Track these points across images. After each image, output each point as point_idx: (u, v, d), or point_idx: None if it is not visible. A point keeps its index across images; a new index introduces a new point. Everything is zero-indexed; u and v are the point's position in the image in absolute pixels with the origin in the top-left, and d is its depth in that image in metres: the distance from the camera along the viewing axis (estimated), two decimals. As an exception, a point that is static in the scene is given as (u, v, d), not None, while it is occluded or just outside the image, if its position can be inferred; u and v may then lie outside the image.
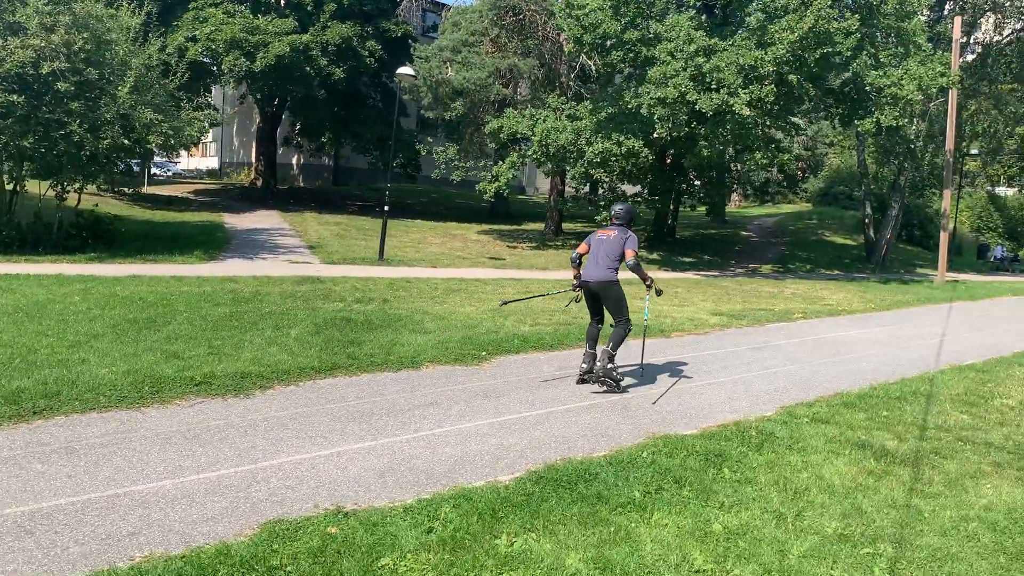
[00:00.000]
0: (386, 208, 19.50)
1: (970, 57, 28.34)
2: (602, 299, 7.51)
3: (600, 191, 29.52)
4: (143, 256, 16.10)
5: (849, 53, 18.22)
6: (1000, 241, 42.40)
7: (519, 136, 24.08)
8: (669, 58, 18.46)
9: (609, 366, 7.38)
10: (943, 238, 23.33)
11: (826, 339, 11.43)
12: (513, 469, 5.06)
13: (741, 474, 5.16)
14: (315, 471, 4.83)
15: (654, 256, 26.26)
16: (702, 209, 30.03)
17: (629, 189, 29.00)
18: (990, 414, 7.23)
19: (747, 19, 18.88)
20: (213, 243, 19.59)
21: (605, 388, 7.38)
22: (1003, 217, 47.97)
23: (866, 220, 29.54)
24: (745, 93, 17.95)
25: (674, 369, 8.57)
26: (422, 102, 26.03)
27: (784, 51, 17.75)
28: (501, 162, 23.87)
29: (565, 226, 31.64)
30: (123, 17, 17.96)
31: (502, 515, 4.22)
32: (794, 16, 17.66)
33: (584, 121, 21.71)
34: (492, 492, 4.53)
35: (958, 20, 22.59)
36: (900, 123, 19.15)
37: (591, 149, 21.01)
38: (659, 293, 7.95)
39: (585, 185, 28.72)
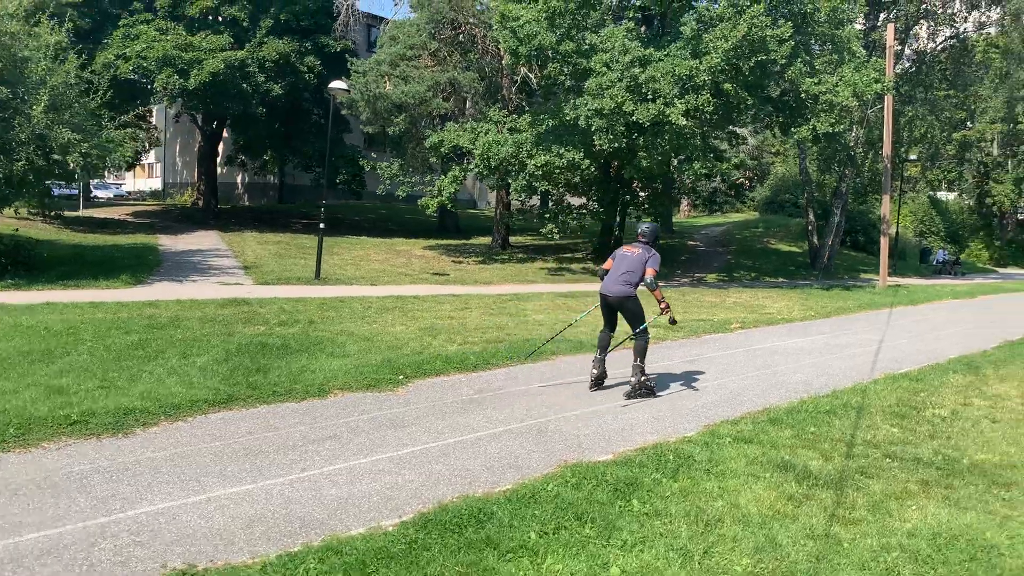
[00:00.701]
0: (321, 226, 18.98)
1: (907, 64, 28.72)
2: (620, 311, 7.91)
3: (549, 203, 29.27)
4: (65, 282, 15.31)
5: (784, 61, 18.20)
6: (942, 245, 43.12)
7: (461, 150, 23.74)
8: (605, 69, 18.27)
9: (642, 378, 7.84)
10: (883, 243, 23.46)
11: (761, 350, 11.19)
12: (401, 511, 4.62)
13: (651, 505, 4.79)
14: (175, 523, 4.33)
15: (600, 268, 26.01)
16: (647, 220, 29.99)
17: (577, 201, 28.82)
18: (921, 426, 6.98)
19: (682, 29, 18.76)
20: (142, 266, 18.83)
21: (646, 395, 7.81)
22: (944, 221, 48.89)
23: (809, 227, 29.71)
24: (681, 103, 17.82)
25: (603, 387, 8.21)
26: (360, 117, 25.50)
27: (719, 60, 17.65)
28: (443, 176, 23.47)
29: (513, 239, 31.32)
30: (43, 34, 17.23)
31: (372, 570, 3.77)
32: (727, 24, 17.58)
33: (524, 134, 21.44)
34: (368, 542, 4.08)
35: (891, 27, 22.83)
36: (837, 129, 19.18)
37: (532, 162, 20.73)
38: (672, 322, 8.06)
39: (529, 197, 28.46)
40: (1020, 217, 60.87)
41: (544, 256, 27.81)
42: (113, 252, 21.23)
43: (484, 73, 24.79)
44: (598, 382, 8.09)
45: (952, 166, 51.35)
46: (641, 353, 7.87)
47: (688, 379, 8.86)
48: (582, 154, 20.13)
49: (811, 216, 29.57)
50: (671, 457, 5.73)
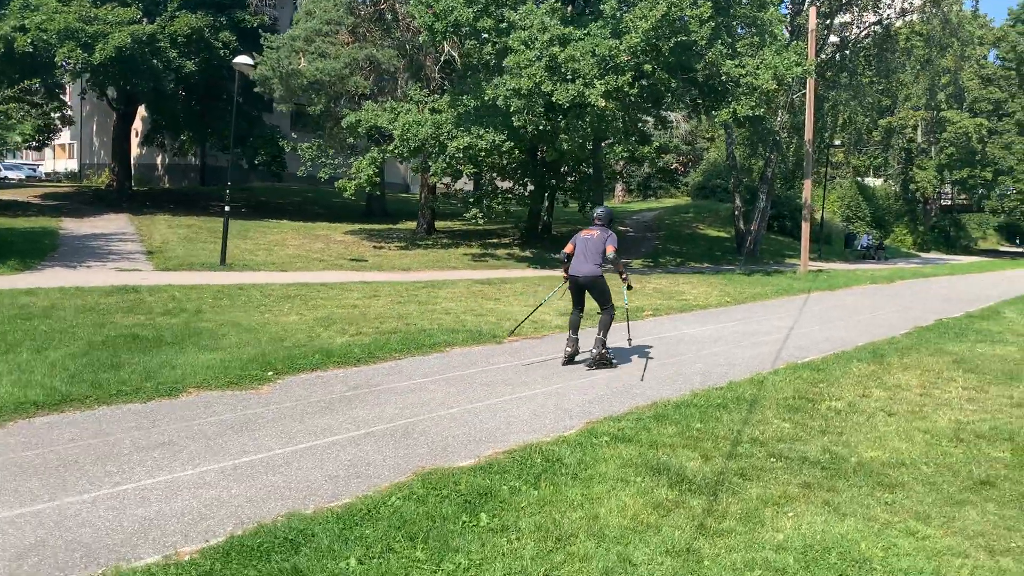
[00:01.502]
0: (227, 208, 18.08)
1: (831, 50, 28.83)
2: (589, 290, 8.70)
3: (482, 186, 28.64)
4: (-60, 268, 14.27)
5: (704, 42, 17.91)
6: (867, 230, 43.85)
7: (381, 131, 22.95)
8: (523, 47, 17.72)
9: (603, 351, 8.64)
10: (804, 228, 23.51)
11: (668, 338, 10.85)
12: (210, 535, 4.04)
13: (500, 519, 4.30)
14: (-73, 556, 3.68)
15: (526, 254, 25.60)
16: (575, 205, 29.57)
17: (509, 185, 28.27)
18: (814, 421, 6.66)
19: (603, 7, 18.29)
20: (35, 251, 17.70)
21: (605, 367, 8.61)
22: (871, 207, 49.79)
23: (736, 212, 29.73)
24: (601, 84, 17.38)
25: (500, 380, 7.73)
26: (274, 95, 24.49)
27: (639, 40, 17.26)
28: (361, 158, 22.68)
29: (439, 224, 30.64)
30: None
31: (137, 614, 3.21)
32: (647, 3, 17.19)
33: (444, 114, 20.79)
34: (149, 576, 3.51)
35: (813, 10, 22.78)
36: (758, 113, 18.99)
37: (454, 144, 20.11)
38: (629, 288, 9.10)
39: (455, 181, 27.90)
40: (944, 203, 62.57)
41: (470, 242, 27.24)
42: (6, 236, 19.96)
43: (406, 51, 23.98)
44: (570, 359, 8.79)
45: (878, 152, 52.31)
46: (605, 327, 8.71)
47: (582, 371, 8.43)
48: (504, 136, 19.58)
49: (738, 201, 29.59)
50: (538, 460, 5.26)
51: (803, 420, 6.65)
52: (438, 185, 29.78)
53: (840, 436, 6.24)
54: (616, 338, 9.34)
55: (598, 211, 9.09)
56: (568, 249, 8.80)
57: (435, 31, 18.78)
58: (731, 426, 6.32)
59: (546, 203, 31.25)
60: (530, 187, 24.94)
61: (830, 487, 5.08)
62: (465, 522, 4.24)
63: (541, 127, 19.43)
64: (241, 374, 7.35)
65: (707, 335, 11.26)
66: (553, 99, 17.73)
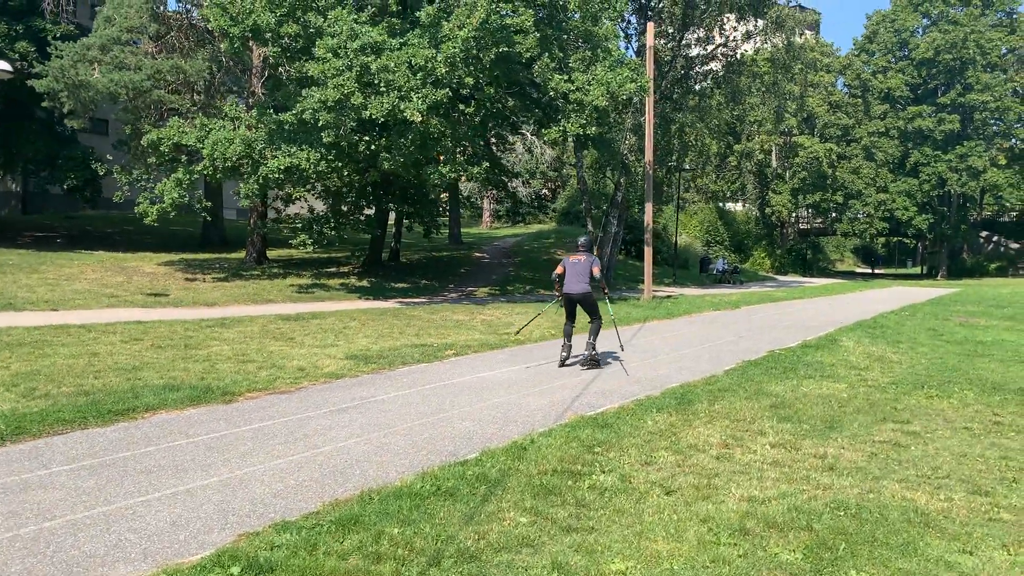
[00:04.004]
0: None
1: (678, 70, 28.28)
2: (581, 305, 10.51)
3: (312, 211, 26.41)
4: None
5: (529, 54, 16.54)
6: (724, 254, 44.04)
7: (188, 150, 20.52)
8: (330, 56, 15.87)
9: (594, 353, 10.54)
10: (647, 253, 22.49)
11: (451, 385, 9.12)
12: None
13: None
14: None
15: (363, 284, 23.58)
16: (420, 229, 27.73)
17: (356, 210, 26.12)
18: (565, 509, 5.01)
19: (419, 14, 16.68)
20: None
21: (594, 367, 10.49)
22: (730, 231, 50.35)
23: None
24: (418, 97, 15.72)
25: (176, 463, 5.75)
26: (63, 109, 21.65)
27: (458, 50, 15.71)
28: (165, 180, 20.16)
29: (275, 253, 28.23)
30: None
31: None
32: (464, 10, 15.68)
33: (259, 131, 18.65)
34: None
35: (650, 25, 21.91)
36: (590, 131, 17.76)
37: (273, 163, 17.98)
38: (608, 298, 11.84)
39: (285, 204, 25.68)
40: (802, 226, 64.49)
41: (303, 271, 25.00)
42: None
43: (222, 63, 21.68)
44: (564, 362, 10.63)
45: (735, 176, 53.15)
46: (595, 334, 10.65)
47: (321, 438, 6.56)
48: (319, 155, 17.61)
49: (590, 226, 28.54)
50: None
51: (550, 510, 4.98)
52: (271, 210, 27.42)
53: (590, 535, 4.60)
54: (306, 405, 7.51)
55: (581, 240, 11.00)
56: (559, 271, 10.61)
57: (232, 36, 16.67)
58: (444, 529, 4.58)
59: (394, 228, 29.41)
60: (368, 212, 22.92)
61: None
62: None
63: (357, 144, 17.61)
64: None
65: (503, 379, 9.60)
66: (367, 113, 15.95)
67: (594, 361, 10.52)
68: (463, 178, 19.33)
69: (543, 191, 62.43)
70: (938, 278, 56.17)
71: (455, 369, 10.28)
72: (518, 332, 13.12)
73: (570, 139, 17.88)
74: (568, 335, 10.70)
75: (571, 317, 10.79)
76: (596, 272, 10.34)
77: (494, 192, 30.64)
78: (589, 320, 10.71)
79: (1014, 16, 56.73)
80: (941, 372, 10.89)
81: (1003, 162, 53.29)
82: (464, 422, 7.31)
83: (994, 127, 55.00)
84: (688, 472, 5.90)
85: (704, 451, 6.48)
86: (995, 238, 62.52)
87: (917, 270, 73.60)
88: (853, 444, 6.84)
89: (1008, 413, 8.27)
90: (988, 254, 61.24)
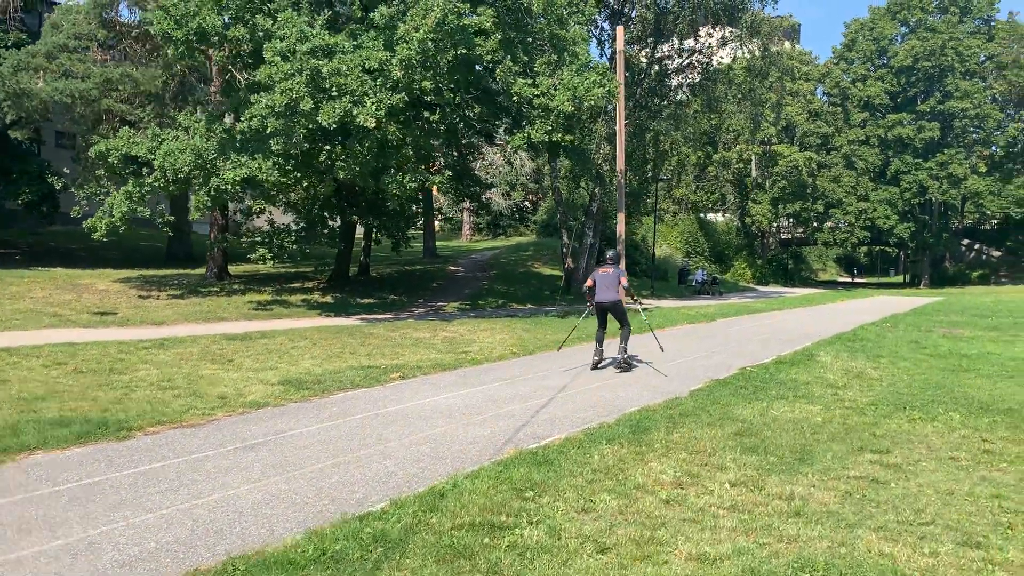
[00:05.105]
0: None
1: (652, 78, 27.57)
2: (611, 312, 11.51)
3: (273, 224, 25.48)
4: None
5: (489, 57, 15.74)
6: (703, 264, 43.36)
7: (139, 161, 19.57)
8: (278, 59, 15.01)
9: (627, 356, 11.57)
10: (620, 266, 21.64)
11: (388, 414, 8.23)
12: None
13: None
14: None
15: (327, 300, 22.65)
16: (388, 243, 26.84)
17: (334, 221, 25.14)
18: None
19: (372, 15, 15.85)
20: None
21: (627, 370, 11.36)
22: (710, 241, 49.70)
23: (564, 249, 27.88)
24: (372, 102, 14.88)
25: (21, 521, 4.83)
26: (6, 119, 20.65)
27: (413, 52, 14.89)
28: (115, 193, 19.20)
29: (238, 269, 27.23)
30: None
31: None
32: (419, 10, 14.86)
33: (211, 141, 17.75)
34: None
35: (620, 29, 21.19)
36: (555, 138, 16.92)
37: (228, 174, 17.10)
38: (641, 306, 14.27)
39: (247, 217, 24.73)
40: (783, 236, 64.01)
41: (265, 287, 24.04)
42: None
43: (175, 72, 20.77)
44: (596, 366, 11.50)
45: (716, 187, 52.58)
46: (626, 339, 11.56)
47: (190, 489, 5.64)
48: (271, 163, 16.72)
49: (565, 238, 27.78)
50: None
51: (455, 578, 4.11)
52: (233, 223, 26.47)
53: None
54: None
55: (609, 254, 12.21)
56: (589, 283, 11.72)
57: (176, 41, 15.76)
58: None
59: (364, 242, 28.52)
60: (335, 225, 22.01)
61: None
62: None
63: (316, 153, 16.78)
64: None
65: (446, 406, 8.72)
66: (319, 119, 15.10)
67: (627, 364, 11.48)
68: (434, 188, 18.45)
69: (524, 203, 61.71)
70: (920, 287, 55.77)
71: (396, 395, 9.39)
72: (559, 348, 13.77)
73: (539, 146, 17.02)
74: (600, 340, 11.67)
75: (603, 324, 11.79)
76: (624, 283, 11.40)
77: (468, 204, 29.73)
78: (619, 327, 11.71)
79: (992, 23, 56.70)
80: (924, 390, 10.10)
81: (983, 169, 53.02)
82: (385, 461, 6.42)
83: (974, 134, 54.80)
84: (631, 521, 5.04)
85: (653, 492, 5.63)
86: (977, 246, 62.26)
87: (899, 279, 73.34)
88: (825, 481, 6.01)
89: (998, 439, 7.47)
90: (970, 262, 60.95)
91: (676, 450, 6.81)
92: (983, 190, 52.72)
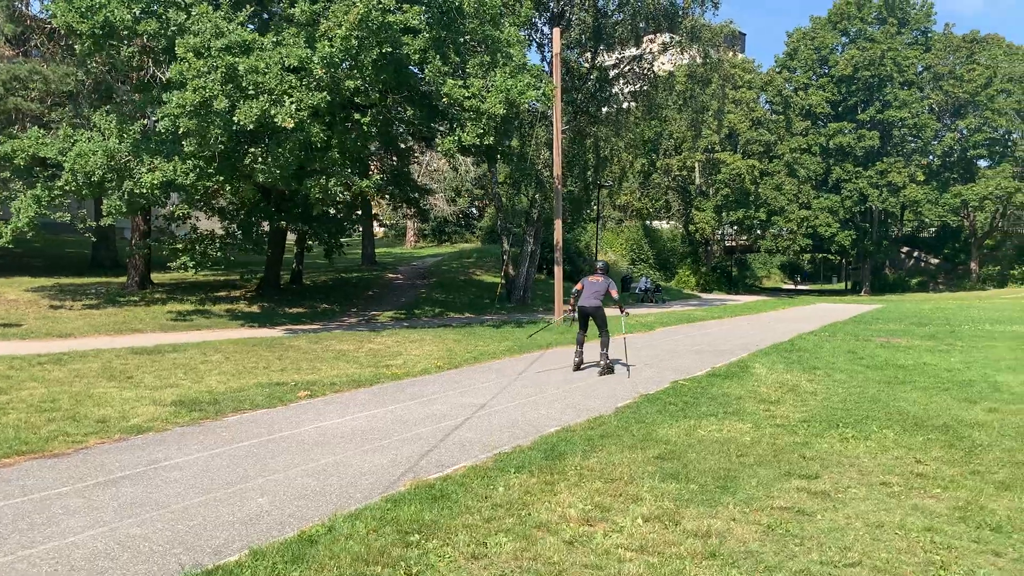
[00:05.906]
0: None
1: (590, 83, 27.17)
2: (593, 318, 12.14)
3: (197, 230, 24.37)
4: None
5: (417, 57, 15.08)
6: (648, 272, 43.20)
7: (51, 162, 18.44)
8: (191, 55, 14.14)
9: (608, 361, 12.10)
10: (557, 273, 21.12)
11: (282, 440, 7.50)
12: None
13: None
14: None
15: (253, 309, 21.72)
16: (318, 251, 25.94)
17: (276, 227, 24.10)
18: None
19: (292, 11, 15.07)
20: None
21: (609, 373, 11.97)
22: (655, 249, 49.63)
23: (504, 256, 27.31)
24: (291, 102, 14.11)
25: None
26: None
27: (336, 50, 14.16)
28: (22, 196, 18.04)
29: (162, 277, 26.03)
30: None
31: None
32: (342, 6, 14.14)
33: (124, 142, 16.74)
34: None
35: (556, 31, 20.73)
36: (487, 142, 16.34)
37: (147, 178, 16.13)
38: (626, 315, 13.84)
39: (171, 222, 23.58)
40: (728, 244, 64.42)
41: (189, 296, 22.98)
42: None
43: (90, 69, 19.67)
44: (578, 367, 12.31)
45: (660, 194, 52.57)
46: (606, 345, 12.12)
47: (23, 537, 4.87)
48: (187, 166, 15.81)
49: (505, 244, 27.22)
50: None
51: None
52: (155, 228, 25.29)
53: None
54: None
55: (599, 263, 12.69)
56: (578, 287, 12.30)
57: (80, 35, 14.78)
58: None
59: (296, 248, 27.55)
60: (250, 229, 21.06)
61: None
62: None
63: (240, 155, 15.91)
64: None
65: (350, 429, 8.02)
66: (236, 119, 14.27)
67: (609, 369, 11.94)
68: (372, 194, 17.67)
69: (471, 209, 61.03)
70: (862, 294, 56.51)
71: (298, 416, 8.65)
72: (529, 336, 15.13)
73: (471, 150, 16.40)
74: (580, 344, 12.34)
75: (584, 328, 12.37)
76: (614, 294, 11.91)
77: (408, 210, 28.93)
78: (599, 333, 12.13)
79: (929, 35, 57.86)
80: (859, 405, 9.71)
81: (921, 178, 53.99)
82: (262, 497, 5.70)
83: (912, 144, 55.79)
84: (525, 570, 4.43)
85: (556, 532, 5.02)
86: (916, 253, 63.47)
87: (842, 286, 74.39)
88: (747, 513, 5.47)
89: (931, 459, 7.05)
90: (909, 269, 62.08)
91: (590, 478, 6.22)
92: (921, 199, 53.65)
